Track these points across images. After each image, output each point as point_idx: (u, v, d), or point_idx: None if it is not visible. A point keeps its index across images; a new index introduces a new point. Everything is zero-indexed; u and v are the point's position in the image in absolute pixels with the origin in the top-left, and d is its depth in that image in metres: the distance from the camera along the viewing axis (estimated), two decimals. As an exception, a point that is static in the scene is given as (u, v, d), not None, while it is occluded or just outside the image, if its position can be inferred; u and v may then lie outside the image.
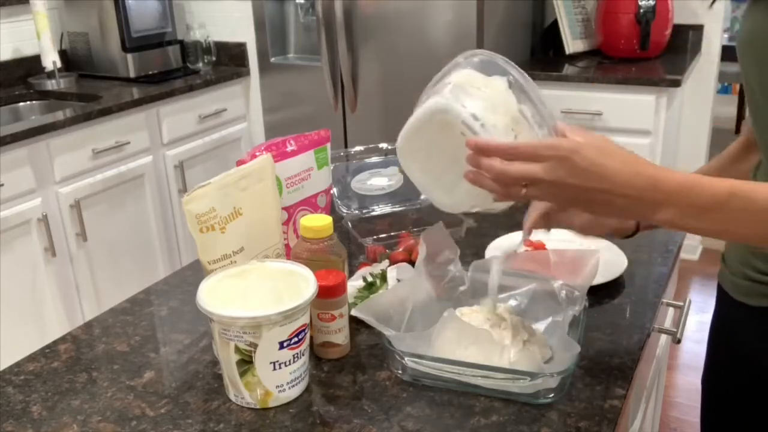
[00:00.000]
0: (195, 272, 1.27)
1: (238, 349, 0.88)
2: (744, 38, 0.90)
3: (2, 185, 2.25)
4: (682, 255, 2.08)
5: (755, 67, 0.90)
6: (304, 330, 0.91)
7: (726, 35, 3.41)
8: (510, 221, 1.45)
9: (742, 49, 0.91)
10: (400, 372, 0.96)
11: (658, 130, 2.66)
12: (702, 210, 0.76)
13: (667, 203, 0.75)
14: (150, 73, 3.04)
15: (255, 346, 0.87)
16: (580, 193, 0.76)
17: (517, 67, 0.82)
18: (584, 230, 1.04)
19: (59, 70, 2.91)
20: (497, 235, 1.34)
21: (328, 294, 0.97)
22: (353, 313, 0.97)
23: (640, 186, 0.75)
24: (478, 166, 0.77)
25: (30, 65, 2.96)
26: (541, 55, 3.16)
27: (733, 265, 1.04)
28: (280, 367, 0.90)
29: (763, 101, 0.89)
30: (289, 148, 1.11)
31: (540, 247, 1.25)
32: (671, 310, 1.29)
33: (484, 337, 0.94)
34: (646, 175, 0.75)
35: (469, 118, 0.78)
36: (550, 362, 0.96)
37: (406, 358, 0.93)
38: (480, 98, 0.80)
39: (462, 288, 1.08)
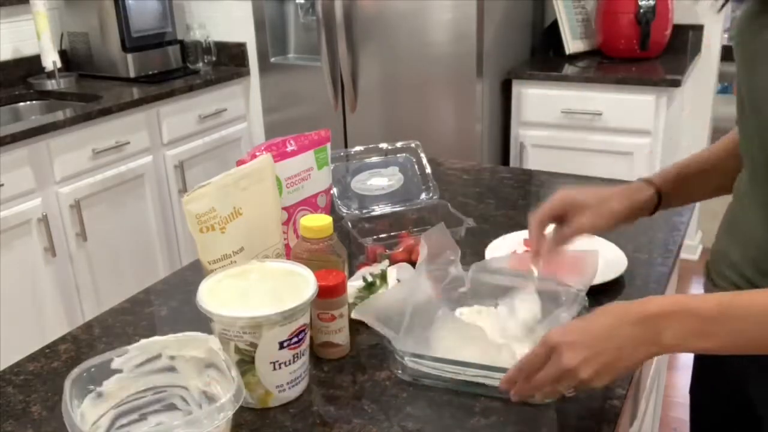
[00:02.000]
0: (195, 272, 1.27)
1: (238, 349, 0.88)
2: (736, 35, 0.90)
3: (2, 185, 2.25)
4: (682, 255, 2.08)
5: (742, 68, 0.89)
6: (304, 330, 0.91)
7: (726, 35, 3.40)
8: (510, 221, 1.45)
9: (735, 50, 0.91)
10: (400, 372, 0.96)
11: (658, 130, 2.66)
12: (696, 333, 0.76)
13: (660, 332, 0.76)
14: (150, 73, 3.04)
15: (255, 346, 0.87)
16: (598, 353, 0.77)
17: None
18: (595, 227, 1.04)
19: (59, 70, 2.91)
20: (497, 235, 1.34)
21: (328, 294, 0.97)
22: (353, 315, 0.97)
23: (628, 326, 0.77)
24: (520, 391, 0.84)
25: (30, 65, 2.96)
26: (541, 55, 3.16)
27: (714, 276, 1.02)
28: (280, 367, 0.90)
29: (750, 111, 0.88)
30: (289, 148, 1.11)
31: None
32: (671, 310, 1.29)
33: (479, 335, 0.94)
34: (628, 313, 0.77)
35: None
36: None
37: (406, 358, 0.93)
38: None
39: (462, 289, 1.08)
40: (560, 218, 1.05)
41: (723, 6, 0.92)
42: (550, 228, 1.07)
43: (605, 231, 1.07)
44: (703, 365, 1.12)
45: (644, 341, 0.76)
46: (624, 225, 1.07)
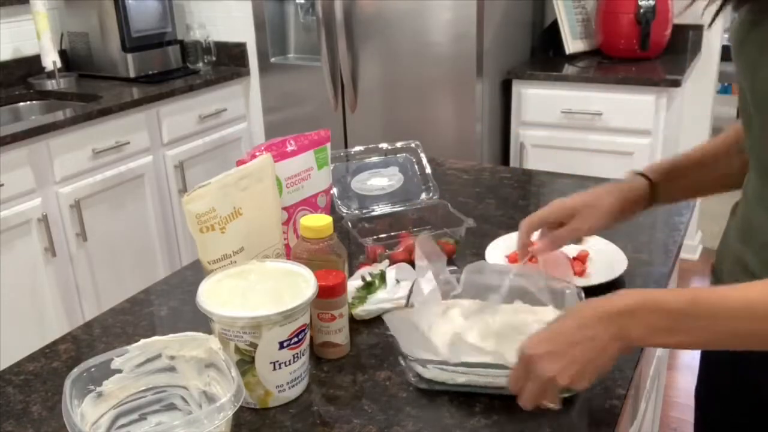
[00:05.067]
0: (195, 272, 1.27)
1: (238, 349, 0.88)
2: (735, 41, 0.89)
3: (2, 185, 2.25)
4: (682, 255, 2.08)
5: (743, 75, 0.87)
6: (304, 330, 0.91)
7: (726, 35, 3.40)
8: (510, 221, 1.45)
9: (734, 58, 0.89)
10: (415, 380, 0.94)
11: (658, 130, 2.66)
12: (665, 328, 0.76)
13: (629, 328, 0.76)
14: (150, 73, 3.04)
15: (255, 346, 0.87)
16: (566, 346, 0.78)
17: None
18: (592, 228, 1.04)
19: (59, 70, 2.91)
20: (497, 235, 1.34)
21: (328, 294, 0.97)
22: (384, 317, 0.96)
23: (594, 325, 0.77)
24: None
25: (30, 65, 2.96)
26: (541, 55, 3.16)
27: (725, 279, 1.00)
28: (280, 367, 0.90)
29: (755, 111, 0.86)
30: (289, 148, 1.11)
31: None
32: (671, 310, 1.29)
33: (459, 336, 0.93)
34: (595, 311, 0.78)
35: None
36: None
37: (429, 366, 0.91)
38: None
39: (454, 292, 1.08)
40: (554, 225, 1.05)
41: (714, 17, 0.91)
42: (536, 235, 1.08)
43: (602, 230, 1.06)
44: (710, 364, 1.11)
45: (612, 338, 0.77)
46: (621, 221, 1.05)
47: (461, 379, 0.91)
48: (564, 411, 0.88)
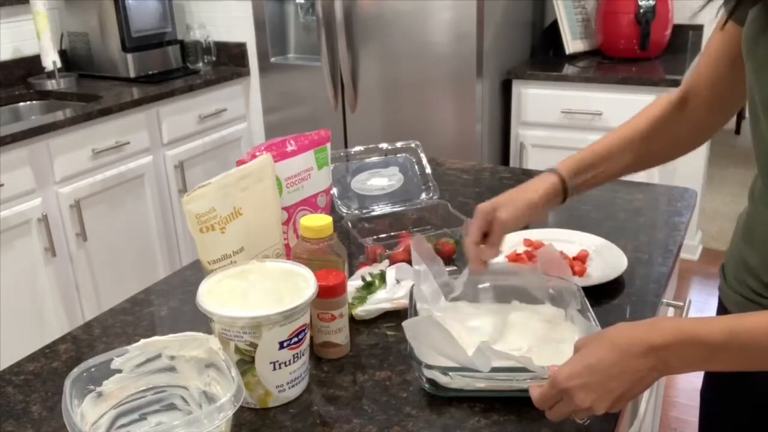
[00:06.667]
0: (195, 272, 1.27)
1: (238, 349, 0.88)
2: (746, 40, 0.89)
3: (2, 185, 2.25)
4: (682, 255, 2.07)
5: (754, 75, 0.88)
6: (304, 330, 0.91)
7: (726, 35, 3.40)
8: (510, 221, 1.45)
9: (745, 56, 0.89)
10: (428, 387, 0.92)
11: (658, 130, 2.66)
12: (703, 359, 0.77)
13: (667, 361, 0.77)
14: (150, 73, 3.04)
15: (255, 346, 0.87)
16: (603, 378, 0.78)
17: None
18: (517, 220, 1.07)
19: (59, 70, 2.91)
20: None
21: (328, 294, 0.97)
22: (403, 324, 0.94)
23: (632, 359, 0.77)
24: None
25: (30, 65, 2.96)
26: (541, 55, 3.16)
27: (731, 281, 1.01)
28: (280, 367, 0.90)
29: (762, 111, 0.87)
30: (289, 148, 1.11)
31: (539, 246, 1.25)
32: (671, 310, 1.29)
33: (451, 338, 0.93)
34: (631, 344, 0.77)
35: None
36: None
37: (451, 373, 0.89)
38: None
39: (453, 294, 1.08)
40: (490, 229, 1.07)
41: (703, 7, 0.92)
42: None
43: (527, 222, 1.10)
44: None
45: (653, 369, 0.77)
46: (543, 213, 1.10)
47: (481, 384, 0.90)
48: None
